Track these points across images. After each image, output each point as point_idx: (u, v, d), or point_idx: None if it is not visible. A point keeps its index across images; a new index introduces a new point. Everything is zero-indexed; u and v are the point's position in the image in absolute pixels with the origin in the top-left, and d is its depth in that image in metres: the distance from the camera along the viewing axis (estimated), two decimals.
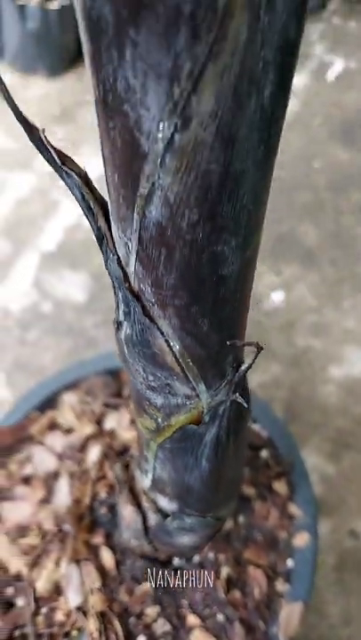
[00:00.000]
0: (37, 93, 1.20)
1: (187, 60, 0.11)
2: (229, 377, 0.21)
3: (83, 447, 0.53)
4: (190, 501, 0.34)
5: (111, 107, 0.13)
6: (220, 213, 0.14)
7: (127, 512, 0.47)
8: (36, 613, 0.47)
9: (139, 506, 0.46)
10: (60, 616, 0.47)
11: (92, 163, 1.06)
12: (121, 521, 0.48)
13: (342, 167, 1.06)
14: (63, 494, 0.50)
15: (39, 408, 0.57)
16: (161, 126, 0.12)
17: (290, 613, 0.48)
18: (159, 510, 0.41)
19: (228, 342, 0.19)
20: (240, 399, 0.22)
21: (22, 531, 0.50)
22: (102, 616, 0.46)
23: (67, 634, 0.46)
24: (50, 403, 0.57)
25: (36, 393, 0.58)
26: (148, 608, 0.47)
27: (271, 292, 0.89)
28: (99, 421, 0.55)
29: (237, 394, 0.22)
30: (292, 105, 1.17)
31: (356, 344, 0.85)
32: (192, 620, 0.47)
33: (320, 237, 0.96)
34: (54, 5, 1.14)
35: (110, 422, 0.55)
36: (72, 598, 0.46)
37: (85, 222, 1.02)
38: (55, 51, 1.17)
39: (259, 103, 0.13)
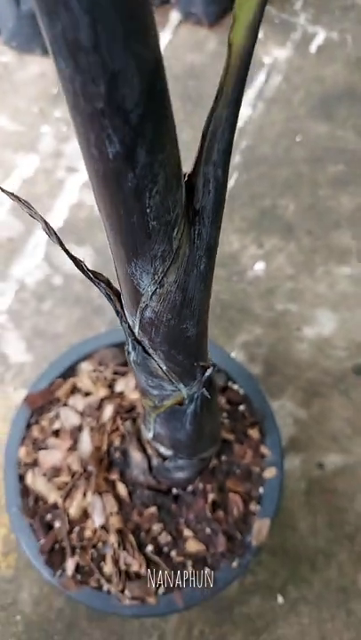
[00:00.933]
0: (34, 72, 1.27)
1: (160, 267, 0.23)
2: (199, 379, 0.34)
3: (99, 406, 0.67)
4: (181, 449, 0.49)
5: (122, 279, 0.25)
6: (183, 314, 0.26)
7: (136, 456, 0.61)
8: (70, 532, 0.63)
9: (144, 451, 0.61)
10: (88, 533, 0.62)
11: None
12: (131, 462, 0.63)
13: (320, 141, 1.15)
14: (86, 443, 0.65)
15: (62, 376, 0.71)
16: (149, 287, 0.24)
17: (260, 527, 0.64)
18: (160, 455, 0.55)
19: (195, 364, 0.32)
20: (205, 392, 0.35)
21: (56, 471, 0.65)
22: (120, 532, 0.62)
23: (94, 546, 0.62)
24: (70, 371, 0.71)
25: (59, 363, 0.71)
26: (154, 525, 0.62)
27: (254, 263, 1.01)
28: (110, 386, 0.69)
29: (205, 388, 0.35)
30: (275, 80, 1.23)
31: (327, 307, 0.98)
32: (187, 532, 0.63)
33: (298, 210, 1.07)
34: None
35: (120, 386, 0.69)
36: (97, 520, 0.62)
37: (87, 200, 1.12)
38: None
39: (198, 271, 0.25)
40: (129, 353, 0.33)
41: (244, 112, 1.19)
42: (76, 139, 1.10)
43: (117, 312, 0.29)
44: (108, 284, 0.28)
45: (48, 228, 0.26)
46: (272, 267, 1.01)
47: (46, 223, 0.26)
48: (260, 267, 1.01)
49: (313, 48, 1.28)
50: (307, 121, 1.18)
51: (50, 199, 1.11)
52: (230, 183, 1.11)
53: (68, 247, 1.04)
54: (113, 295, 0.28)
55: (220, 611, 0.80)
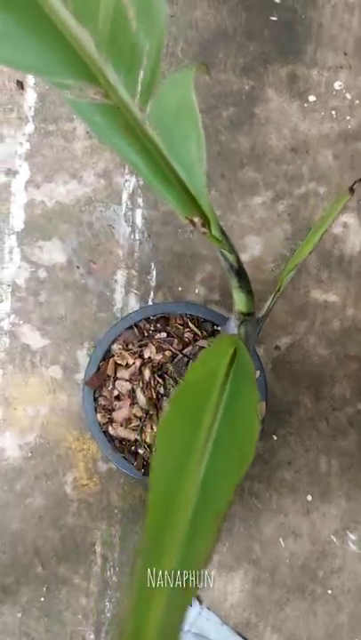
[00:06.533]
0: None
1: None
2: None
3: (140, 372, 0.98)
4: None
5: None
6: None
7: None
8: (151, 452, 0.98)
9: None
10: None
11: None
12: None
13: (209, 88, 1.35)
14: (141, 398, 0.97)
15: (103, 360, 1.01)
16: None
17: (260, 407, 1.02)
18: None
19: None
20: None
21: (128, 421, 0.98)
22: None
23: None
24: (107, 354, 1.01)
25: (97, 351, 1.01)
26: None
27: None
28: (140, 355, 1.00)
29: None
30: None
31: (252, 234, 1.29)
32: None
33: (210, 159, 1.30)
34: None
35: (146, 354, 0.99)
36: None
37: (36, 197, 1.30)
38: None
39: None
40: None
41: None
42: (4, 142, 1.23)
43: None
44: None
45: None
46: None
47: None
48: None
49: None
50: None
51: (4, 205, 1.28)
52: None
53: (37, 245, 1.28)
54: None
55: None
